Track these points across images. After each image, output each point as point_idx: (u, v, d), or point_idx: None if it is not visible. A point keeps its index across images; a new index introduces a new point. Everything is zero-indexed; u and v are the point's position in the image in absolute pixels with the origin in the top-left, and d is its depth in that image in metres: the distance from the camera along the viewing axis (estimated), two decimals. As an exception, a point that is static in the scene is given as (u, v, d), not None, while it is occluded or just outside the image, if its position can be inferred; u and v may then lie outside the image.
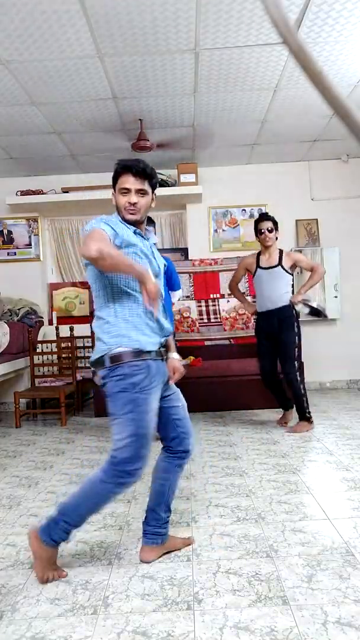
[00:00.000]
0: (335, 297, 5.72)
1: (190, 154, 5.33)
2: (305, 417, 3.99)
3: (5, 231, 5.77)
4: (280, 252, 4.09)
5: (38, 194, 5.42)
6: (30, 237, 5.77)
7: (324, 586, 1.78)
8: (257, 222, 4.10)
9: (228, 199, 5.75)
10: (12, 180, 5.63)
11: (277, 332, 3.98)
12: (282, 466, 3.13)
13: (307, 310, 4.14)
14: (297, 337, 3.99)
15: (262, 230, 4.02)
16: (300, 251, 5.71)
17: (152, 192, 1.98)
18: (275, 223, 4.07)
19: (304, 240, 5.76)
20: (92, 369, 1.97)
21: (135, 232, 1.96)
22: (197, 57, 3.36)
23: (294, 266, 4.10)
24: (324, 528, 2.25)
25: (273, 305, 3.98)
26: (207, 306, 5.50)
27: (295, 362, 3.98)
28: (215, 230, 5.75)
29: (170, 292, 3.97)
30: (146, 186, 1.93)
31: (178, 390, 2.09)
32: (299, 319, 4.07)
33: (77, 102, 3.94)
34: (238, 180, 5.75)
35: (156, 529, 2.05)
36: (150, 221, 3.58)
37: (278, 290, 3.98)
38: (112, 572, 1.97)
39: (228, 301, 5.44)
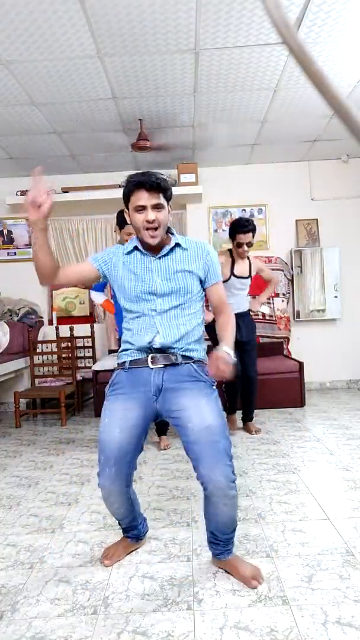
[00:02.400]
0: (335, 297, 5.72)
1: (190, 154, 5.33)
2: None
3: (5, 231, 5.77)
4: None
5: (38, 194, 5.41)
6: (30, 237, 5.77)
7: (324, 586, 1.78)
8: (237, 231, 3.72)
9: (228, 199, 5.75)
10: (12, 180, 5.63)
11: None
12: (282, 466, 3.13)
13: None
14: None
15: (242, 244, 3.74)
16: (300, 252, 5.72)
17: (168, 204, 1.86)
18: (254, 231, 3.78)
19: (304, 240, 5.76)
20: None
21: (132, 251, 1.91)
22: (197, 57, 3.36)
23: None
24: (324, 528, 2.25)
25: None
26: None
27: None
28: (215, 230, 5.75)
29: None
30: (162, 200, 1.81)
31: (199, 407, 1.78)
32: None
33: (77, 102, 3.94)
34: (238, 180, 5.75)
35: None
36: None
37: None
38: (112, 572, 1.97)
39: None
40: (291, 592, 1.75)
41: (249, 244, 3.74)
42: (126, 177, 1.87)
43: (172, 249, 1.89)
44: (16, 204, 5.43)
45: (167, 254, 1.89)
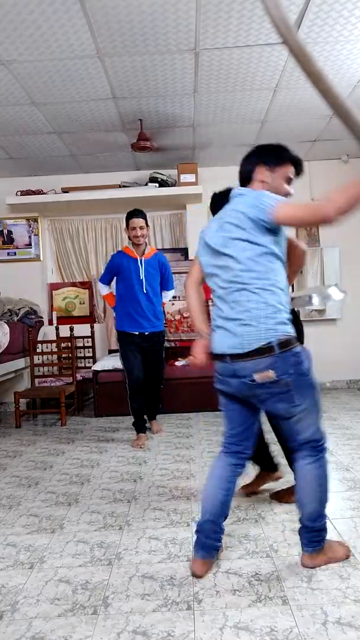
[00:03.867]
0: (335, 297, 5.71)
1: (190, 154, 5.33)
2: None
3: (5, 231, 5.76)
4: None
5: (38, 194, 5.41)
6: (30, 237, 5.77)
7: (324, 586, 1.78)
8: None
9: (228, 199, 5.74)
10: (12, 180, 5.63)
11: None
12: (282, 466, 3.12)
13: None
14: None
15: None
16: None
17: None
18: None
19: (304, 240, 5.75)
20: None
21: None
22: (197, 57, 3.36)
23: None
24: (324, 528, 2.25)
25: None
26: (206, 306, 5.48)
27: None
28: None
29: (162, 291, 4.07)
30: None
31: None
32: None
33: (77, 102, 3.94)
34: (238, 180, 5.75)
35: (216, 542, 1.94)
36: None
37: None
38: (112, 572, 1.97)
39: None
40: (291, 592, 1.75)
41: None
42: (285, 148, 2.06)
43: None
44: (16, 204, 5.43)
45: None
